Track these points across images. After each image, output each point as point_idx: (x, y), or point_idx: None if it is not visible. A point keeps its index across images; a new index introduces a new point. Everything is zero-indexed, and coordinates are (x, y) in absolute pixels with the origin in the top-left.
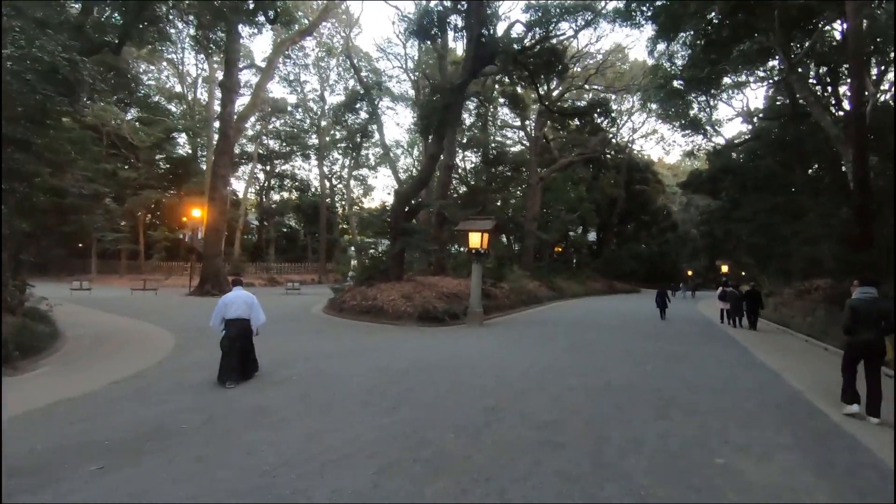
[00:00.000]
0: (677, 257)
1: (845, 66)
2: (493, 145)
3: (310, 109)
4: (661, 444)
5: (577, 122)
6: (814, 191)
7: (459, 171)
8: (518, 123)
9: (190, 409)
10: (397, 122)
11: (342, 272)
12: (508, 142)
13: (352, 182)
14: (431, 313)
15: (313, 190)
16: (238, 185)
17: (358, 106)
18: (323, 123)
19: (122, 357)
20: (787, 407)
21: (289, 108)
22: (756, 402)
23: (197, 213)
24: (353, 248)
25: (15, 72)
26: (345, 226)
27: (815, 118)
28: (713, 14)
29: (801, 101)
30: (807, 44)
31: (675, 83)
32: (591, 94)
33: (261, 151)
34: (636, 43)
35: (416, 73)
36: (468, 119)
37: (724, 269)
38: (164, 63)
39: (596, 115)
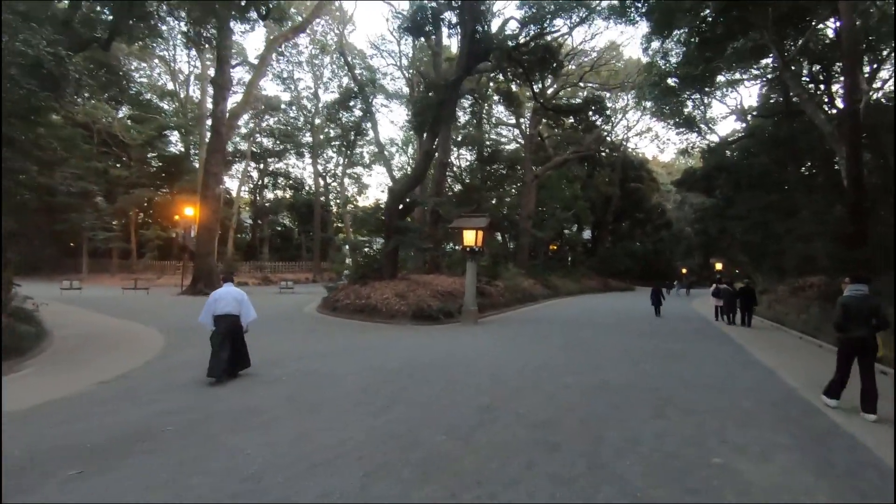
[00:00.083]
0: (672, 255)
1: (838, 64)
2: (487, 143)
3: (303, 107)
4: (658, 444)
5: (572, 120)
6: (807, 188)
7: (454, 168)
8: (513, 121)
9: (176, 411)
10: (391, 120)
11: (337, 271)
12: (503, 139)
13: (346, 180)
14: (426, 312)
15: (307, 188)
16: (231, 184)
17: (352, 103)
18: (317, 121)
19: (110, 357)
20: (783, 405)
21: (282, 106)
22: (753, 401)
23: (189, 211)
24: (347, 247)
25: None
26: (339, 224)
27: (808, 116)
28: (707, 11)
29: (794, 98)
30: (800, 42)
31: (670, 81)
32: (585, 92)
33: (254, 149)
34: (631, 40)
35: (411, 71)
36: (463, 117)
37: (719, 266)
38: (156, 60)
39: (591, 112)
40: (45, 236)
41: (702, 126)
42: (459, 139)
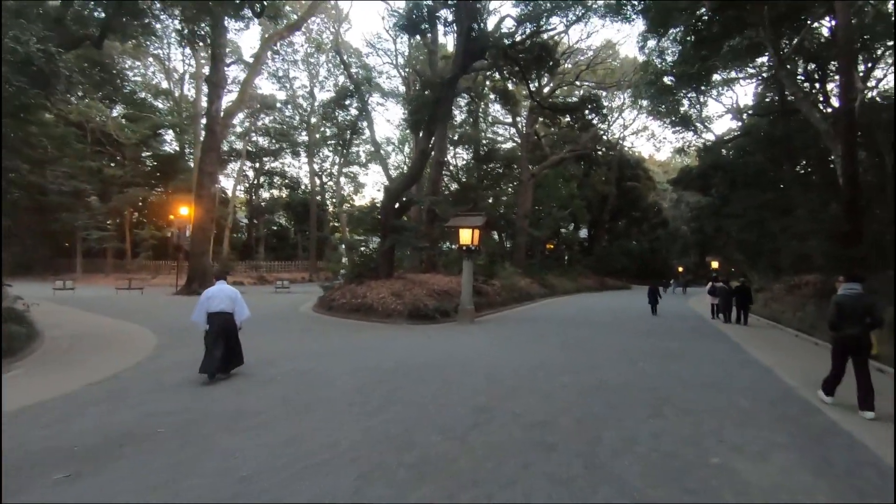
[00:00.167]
0: (668, 254)
1: (833, 63)
2: (484, 142)
3: (299, 106)
4: (656, 444)
5: (569, 119)
6: (803, 187)
7: (451, 167)
8: (509, 120)
9: (167, 412)
10: (388, 119)
11: (333, 270)
12: (500, 138)
13: (342, 179)
14: (422, 311)
15: (303, 187)
16: (227, 183)
17: (348, 102)
18: (312, 120)
19: (101, 358)
20: (781, 403)
21: (278, 105)
22: (750, 399)
23: (184, 210)
24: (343, 246)
25: None
26: (335, 223)
27: (804, 114)
28: (703, 10)
29: (790, 97)
30: (795, 41)
31: (666, 79)
32: (582, 91)
33: (249, 148)
34: (627, 39)
35: (407, 69)
36: (459, 115)
37: (715, 265)
38: (150, 58)
39: (587, 111)
40: (39, 236)
41: (698, 125)
42: (456, 138)
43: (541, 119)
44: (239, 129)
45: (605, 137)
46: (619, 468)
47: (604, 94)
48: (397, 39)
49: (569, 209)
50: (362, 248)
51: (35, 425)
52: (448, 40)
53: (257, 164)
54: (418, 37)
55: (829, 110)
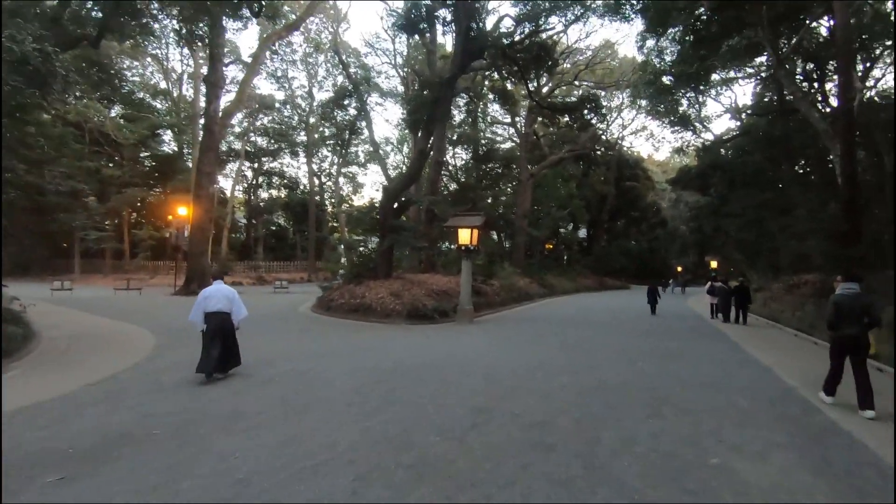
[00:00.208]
0: (667, 253)
1: (832, 62)
2: (483, 142)
3: (298, 106)
4: (654, 444)
5: (567, 119)
6: (802, 186)
7: (449, 167)
8: (508, 120)
9: (164, 413)
10: (386, 119)
11: (332, 270)
12: (498, 138)
13: (341, 179)
14: (420, 311)
15: (302, 187)
16: (225, 183)
17: (346, 102)
18: (311, 120)
19: (98, 359)
20: (780, 403)
21: (276, 105)
22: (749, 399)
23: (182, 210)
24: (342, 246)
25: None
26: (334, 223)
27: (802, 114)
28: (702, 10)
29: (788, 97)
30: (794, 40)
31: (665, 79)
32: (580, 91)
33: (248, 148)
34: (626, 38)
35: (405, 69)
36: (458, 115)
37: (714, 264)
38: (149, 59)
39: (586, 110)
40: (37, 236)
41: (696, 124)
42: (455, 138)
43: (539, 119)
44: (238, 130)
45: (603, 137)
46: (617, 469)
47: (602, 93)
48: (396, 39)
49: (568, 209)
50: (361, 249)
51: (32, 426)
52: (447, 40)
53: (256, 165)
54: (417, 36)
55: (828, 110)
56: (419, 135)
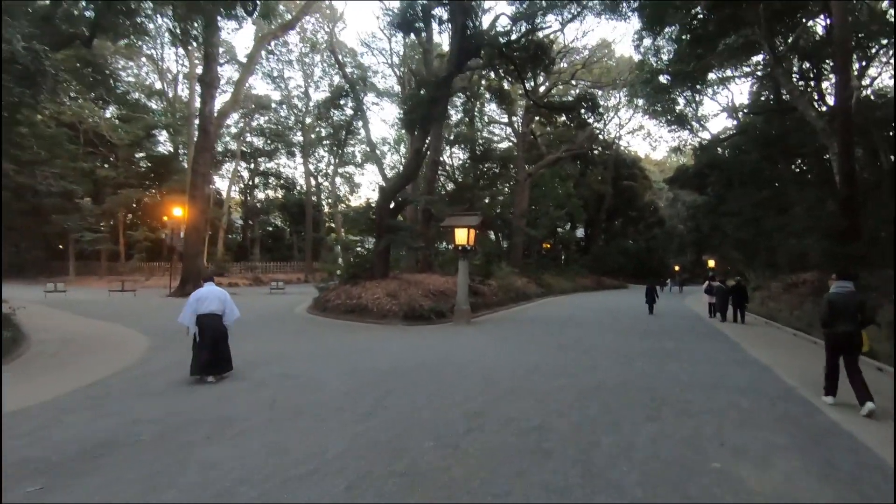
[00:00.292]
0: (664, 253)
1: (828, 61)
2: (480, 141)
3: (294, 106)
4: (654, 449)
5: (565, 118)
6: (799, 185)
7: (447, 167)
8: (505, 119)
9: (150, 420)
10: (383, 119)
11: (329, 271)
12: (495, 138)
13: (338, 179)
14: (417, 312)
15: (299, 188)
16: (222, 184)
17: (343, 102)
18: (307, 120)
19: (88, 363)
20: (781, 404)
21: (272, 105)
22: (750, 400)
23: (178, 212)
24: (339, 247)
25: None
26: (331, 224)
27: (800, 112)
28: (698, 8)
29: (785, 95)
30: (790, 39)
31: (662, 78)
32: (578, 90)
33: (244, 149)
34: (623, 37)
35: (402, 68)
36: (455, 115)
37: (711, 263)
38: (143, 59)
39: (583, 109)
40: (32, 238)
41: (693, 123)
42: (452, 137)
43: (537, 118)
44: (234, 130)
45: (601, 137)
46: (617, 476)
47: (600, 93)
48: (392, 39)
49: (565, 208)
50: (358, 249)
51: (14, 433)
52: (443, 39)
53: (252, 165)
54: (413, 35)
55: (825, 108)
56: (416, 134)
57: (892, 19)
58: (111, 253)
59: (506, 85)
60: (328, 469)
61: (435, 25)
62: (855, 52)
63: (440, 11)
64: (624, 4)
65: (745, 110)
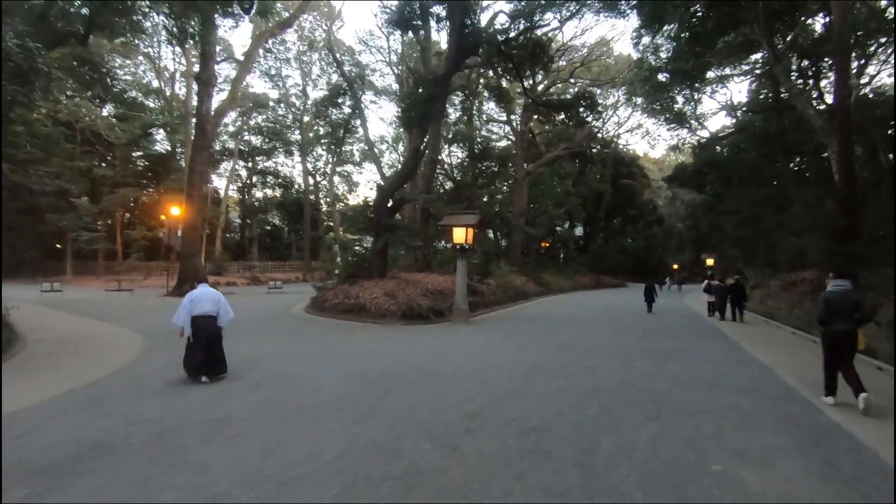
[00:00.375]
0: (663, 251)
1: (827, 59)
2: (478, 140)
3: (292, 104)
4: (654, 451)
5: (563, 116)
6: (798, 183)
7: (445, 166)
8: (504, 118)
9: (143, 421)
10: (381, 117)
11: (327, 270)
12: (494, 136)
13: (336, 178)
14: (415, 311)
15: (297, 186)
16: (219, 183)
17: (341, 100)
18: (306, 119)
19: (82, 364)
20: (782, 404)
21: (270, 104)
22: (750, 400)
23: (175, 210)
24: (337, 246)
25: None
26: (330, 223)
27: (799, 110)
28: (697, 7)
29: (784, 94)
30: (789, 37)
31: (660, 76)
32: (576, 89)
33: (242, 147)
34: (622, 35)
35: (400, 67)
36: (453, 114)
37: (710, 262)
38: (141, 57)
39: (581, 107)
40: (29, 237)
41: (692, 122)
42: (450, 136)
43: (535, 117)
44: (231, 128)
45: (599, 135)
46: (617, 478)
47: (598, 91)
48: (390, 37)
49: (564, 207)
50: (356, 248)
51: (6, 436)
52: (441, 37)
53: (250, 164)
54: (411, 33)
55: (824, 107)
56: (414, 132)
57: (891, 17)
58: (108, 252)
59: (504, 83)
60: (325, 471)
61: (433, 23)
62: (854, 50)
63: (438, 9)
64: (622, 2)
65: (744, 108)
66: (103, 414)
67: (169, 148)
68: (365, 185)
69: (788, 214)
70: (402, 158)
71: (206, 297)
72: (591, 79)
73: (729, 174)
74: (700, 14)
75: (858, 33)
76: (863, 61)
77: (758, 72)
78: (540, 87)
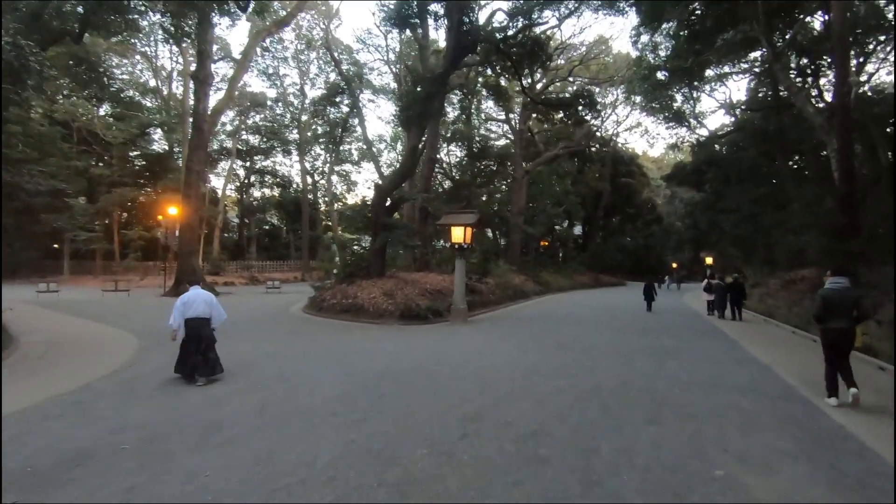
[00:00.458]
0: (662, 250)
1: (826, 57)
2: (477, 139)
3: (290, 104)
4: (655, 455)
5: (562, 115)
6: (797, 181)
7: (443, 164)
8: (502, 116)
9: (134, 426)
10: (379, 116)
11: (325, 269)
12: (493, 135)
13: (334, 177)
14: (414, 311)
15: (295, 186)
16: (217, 182)
17: (339, 99)
18: (304, 118)
19: (76, 365)
20: (783, 404)
21: (268, 103)
22: (751, 401)
23: (172, 210)
24: (335, 245)
25: None
26: (328, 222)
27: (798, 108)
28: (696, 5)
29: (783, 92)
30: (788, 35)
31: (659, 74)
32: (575, 87)
33: (240, 147)
34: (621, 33)
35: (398, 65)
36: (452, 112)
37: (709, 260)
38: (138, 56)
39: (580, 106)
40: (26, 237)
41: (691, 120)
42: (448, 134)
43: (534, 115)
44: (229, 128)
45: (598, 134)
46: (617, 484)
47: (597, 89)
48: (388, 35)
49: (563, 206)
50: (355, 247)
51: None
52: (439, 35)
53: (248, 163)
54: (409, 32)
55: (823, 105)
56: (412, 131)
57: (891, 15)
58: (106, 252)
59: (503, 81)
60: (317, 479)
61: (431, 21)
62: (853, 48)
63: (436, 7)
64: (622, 1)
65: (743, 107)
66: (93, 419)
67: (166, 147)
68: (363, 185)
69: (787, 212)
70: (400, 157)
71: (199, 299)
72: (590, 77)
73: (728, 172)
74: (699, 12)
75: (858, 31)
76: (862, 59)
77: (757, 70)
78: (538, 86)
